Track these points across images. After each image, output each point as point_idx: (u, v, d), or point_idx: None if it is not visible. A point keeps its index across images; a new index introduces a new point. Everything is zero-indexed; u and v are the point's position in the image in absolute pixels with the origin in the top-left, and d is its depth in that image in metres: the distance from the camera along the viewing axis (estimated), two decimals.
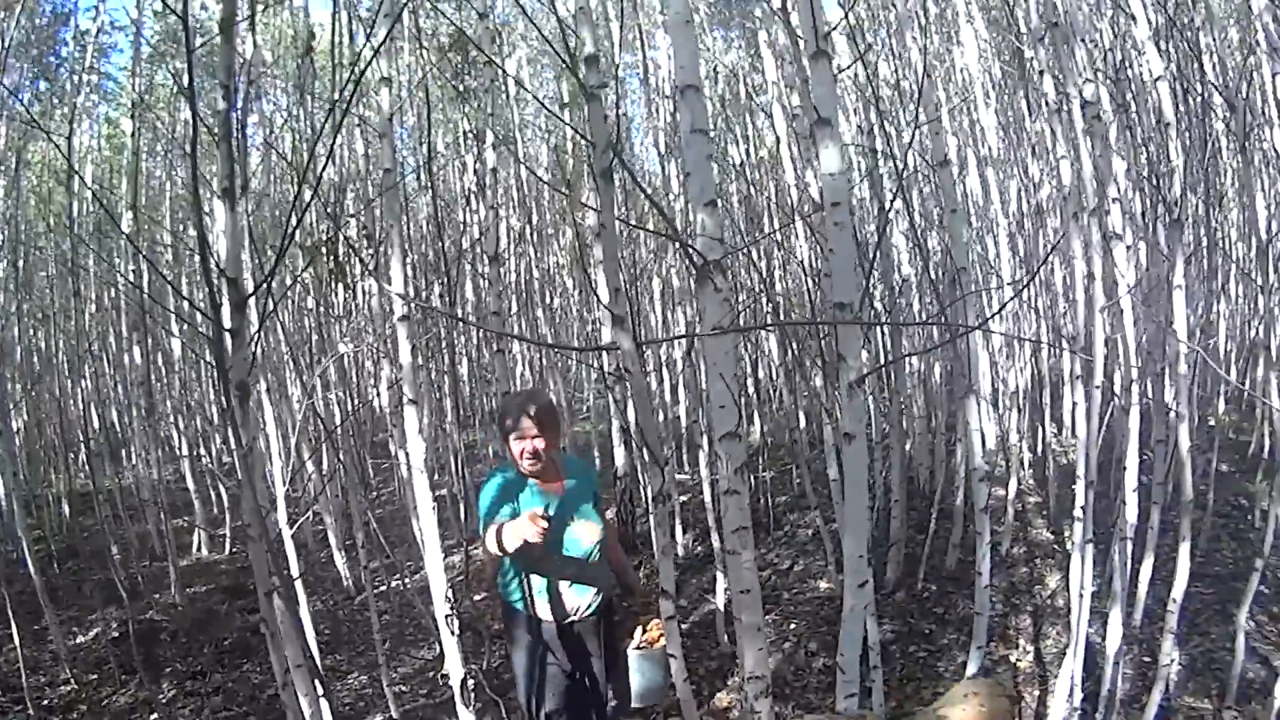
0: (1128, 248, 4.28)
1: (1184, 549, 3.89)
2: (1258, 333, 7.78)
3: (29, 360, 12.63)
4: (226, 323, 2.57)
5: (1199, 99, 5.89)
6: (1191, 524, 3.95)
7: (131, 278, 8.99)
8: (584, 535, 3.55)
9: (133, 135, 8.90)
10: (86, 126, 11.69)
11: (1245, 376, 9.77)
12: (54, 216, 9.99)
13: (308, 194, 3.27)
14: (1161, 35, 6.29)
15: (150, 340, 9.69)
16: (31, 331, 12.80)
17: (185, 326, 10.09)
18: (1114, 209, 4.19)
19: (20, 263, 10.25)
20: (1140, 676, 4.72)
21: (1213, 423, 7.64)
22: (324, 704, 2.82)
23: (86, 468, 10.80)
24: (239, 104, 3.43)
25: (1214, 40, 6.47)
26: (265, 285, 2.50)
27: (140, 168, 9.64)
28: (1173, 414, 4.33)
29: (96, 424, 10.71)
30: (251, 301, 3.01)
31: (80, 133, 10.86)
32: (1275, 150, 6.49)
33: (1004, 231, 7.87)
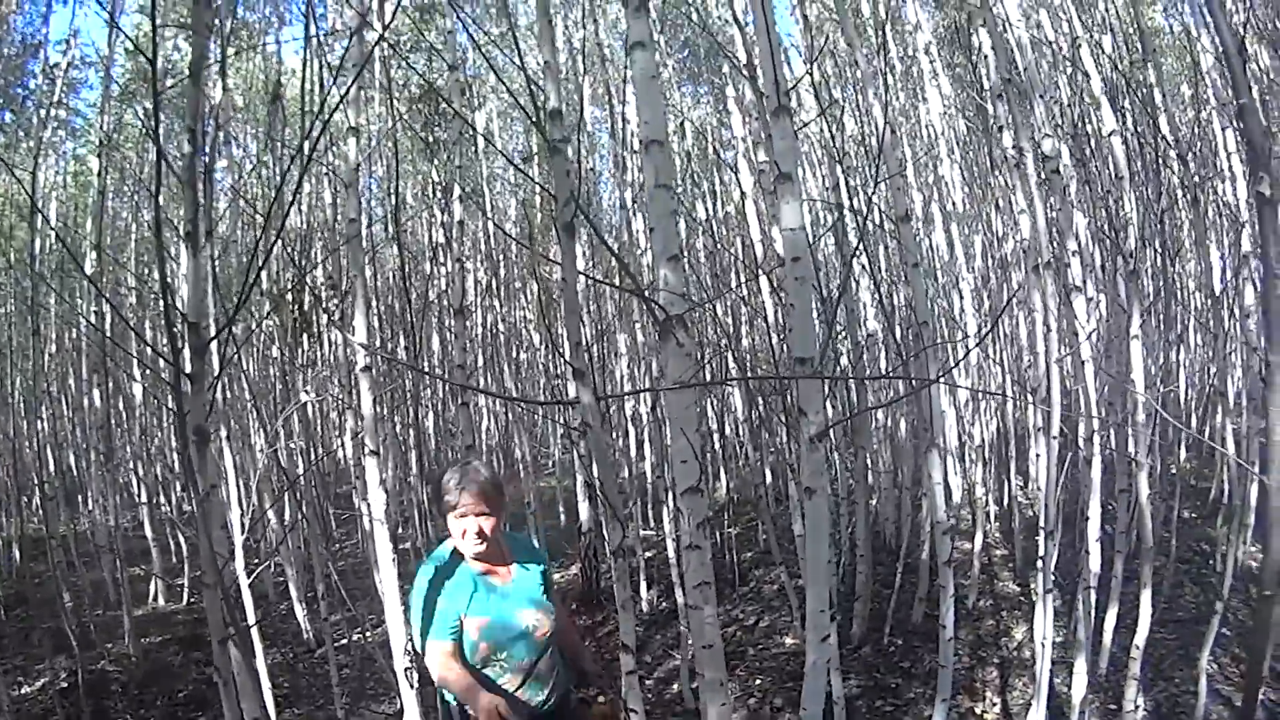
0: (1088, 300, 4.35)
1: (1145, 596, 3.93)
2: (1214, 380, 7.91)
3: None
4: (186, 367, 2.54)
5: (1153, 154, 6.03)
6: (1154, 571, 4.00)
7: (93, 319, 8.89)
8: (536, 626, 3.05)
9: (99, 174, 8.83)
10: (52, 162, 11.55)
11: (1205, 423, 9.91)
12: (14, 252, 9.85)
13: (272, 239, 3.25)
14: (1117, 91, 6.44)
15: (111, 383, 9.54)
16: None
17: (147, 371, 9.97)
18: (1074, 261, 4.26)
19: None
20: None
21: (1174, 470, 7.72)
22: None
23: (40, 512, 10.59)
24: (205, 149, 3.40)
25: (1165, 98, 6.61)
26: (226, 330, 2.48)
27: (106, 207, 9.54)
28: (1133, 463, 4.37)
29: (52, 467, 10.47)
30: (213, 347, 2.98)
31: (45, 168, 10.76)
32: (1227, 203, 6.65)
33: (969, 286, 7.96)
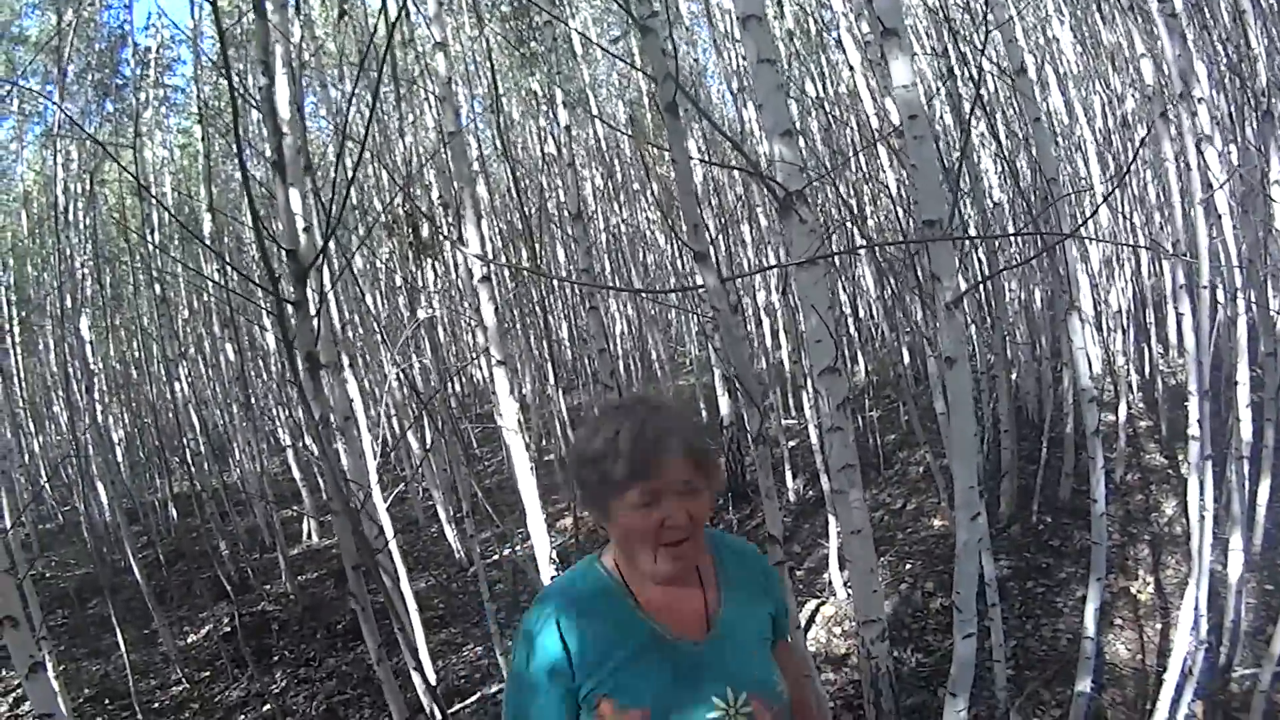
0: (1219, 153, 4.06)
1: None
2: None
3: (126, 372, 13.08)
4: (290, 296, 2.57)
5: None
6: None
7: (217, 277, 9.20)
8: (759, 718, 1.61)
9: (203, 140, 9.08)
10: (159, 139, 11.95)
11: None
12: (136, 230, 10.26)
13: (353, 162, 3.26)
14: None
15: (243, 337, 9.93)
16: (125, 343, 13.26)
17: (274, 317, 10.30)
18: (1200, 110, 3.98)
19: (106, 279, 10.58)
20: (1263, 606, 4.57)
21: None
22: (417, 677, 2.82)
23: (191, 469, 11.14)
24: (276, 80, 3.41)
25: None
26: (321, 255, 2.49)
27: (213, 171, 9.84)
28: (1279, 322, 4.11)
29: (197, 425, 10.98)
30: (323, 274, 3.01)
31: (154, 145, 11.17)
32: None
33: (1092, 148, 7.58)
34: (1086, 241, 7.08)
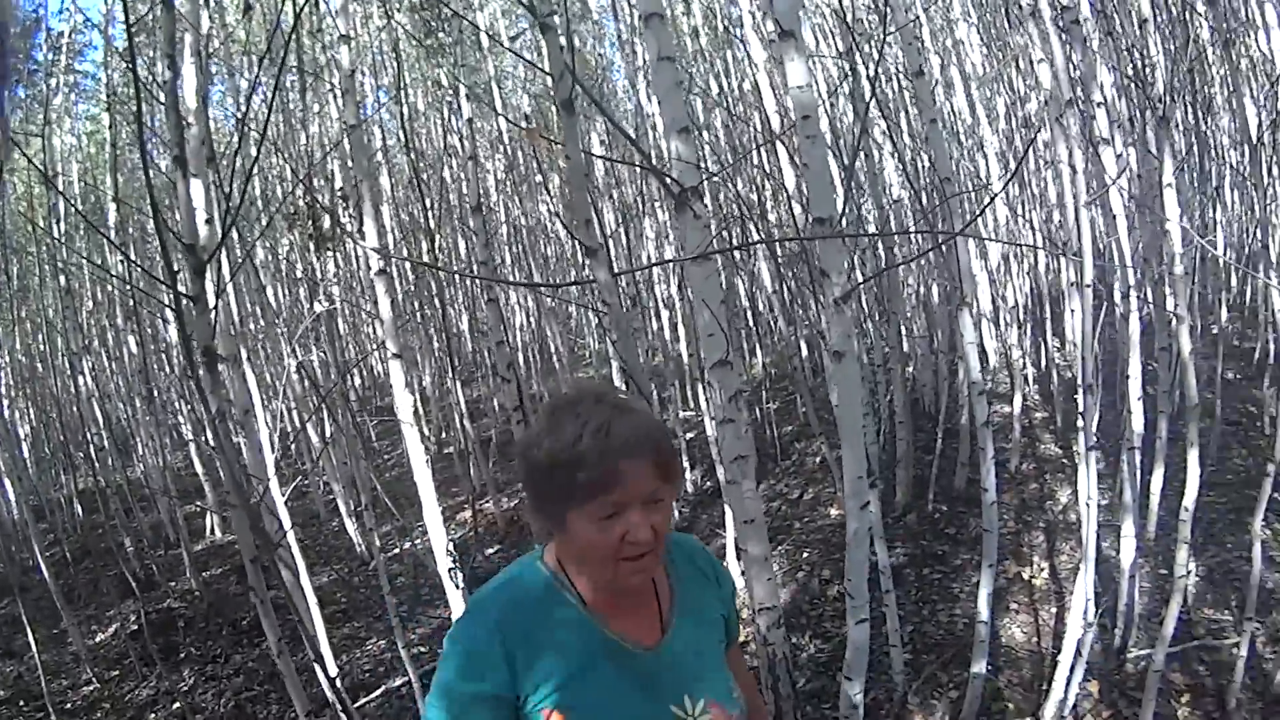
0: (1117, 156, 4.20)
1: (1193, 456, 3.81)
2: (1255, 236, 7.74)
3: (31, 365, 12.68)
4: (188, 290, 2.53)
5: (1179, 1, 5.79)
6: (1200, 432, 3.89)
7: (120, 268, 8.98)
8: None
9: (110, 128, 8.83)
10: (68, 126, 11.60)
11: (1245, 284, 9.74)
12: (42, 220, 9.94)
13: (255, 152, 3.21)
14: None
15: (145, 329, 9.68)
16: (30, 336, 12.84)
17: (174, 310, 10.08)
18: (1099, 113, 4.12)
19: (13, 270, 10.24)
20: (1158, 590, 4.72)
21: (1215, 330, 7.59)
22: (320, 670, 2.81)
23: (95, 465, 10.85)
24: (182, 72, 3.36)
25: None
26: (220, 248, 2.46)
27: (120, 160, 9.58)
28: (1174, 318, 4.26)
29: (101, 420, 10.69)
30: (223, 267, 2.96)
31: (62, 133, 10.84)
32: (1262, 52, 6.40)
33: (993, 149, 7.80)
34: (987, 239, 7.28)
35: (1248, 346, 8.30)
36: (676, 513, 5.46)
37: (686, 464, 8.16)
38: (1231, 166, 9.43)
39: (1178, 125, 6.99)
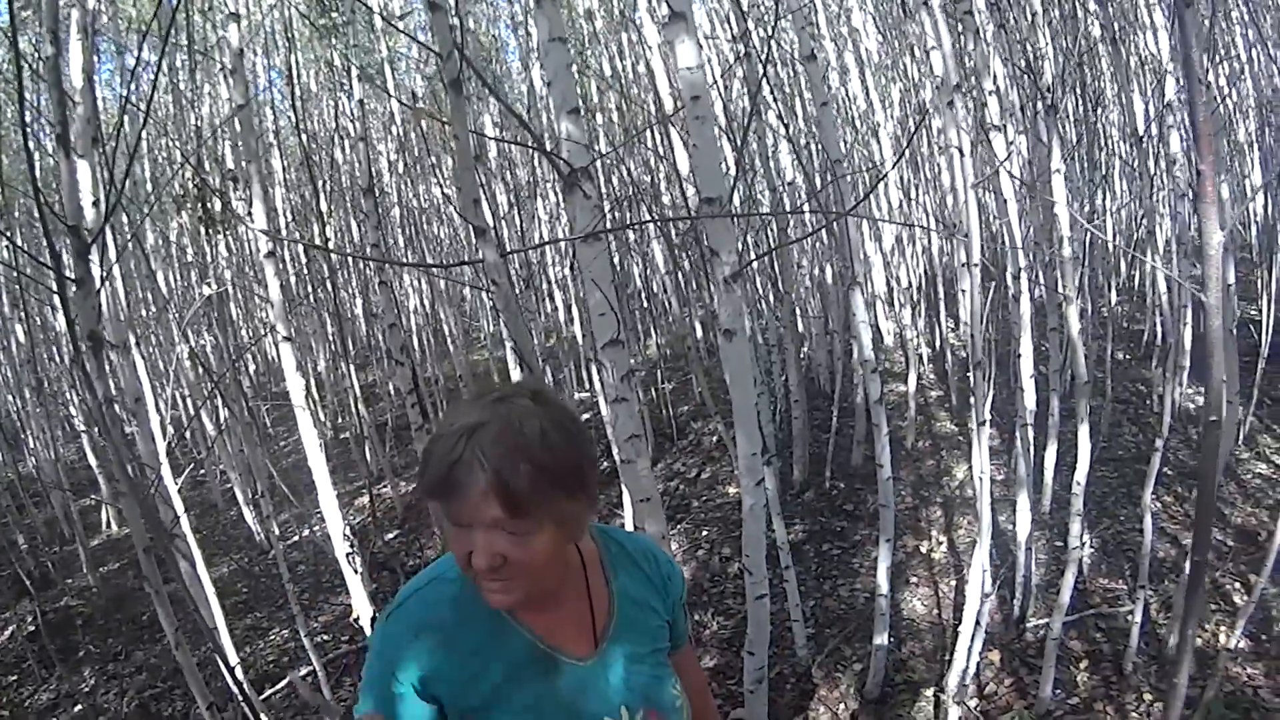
0: (1009, 143, 4.32)
1: (1083, 431, 3.96)
2: (1143, 223, 8.05)
3: None
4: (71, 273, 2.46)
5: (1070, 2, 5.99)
6: (1091, 410, 4.05)
7: (5, 255, 8.65)
8: None
9: None
10: None
11: (1133, 268, 10.13)
12: None
13: (142, 133, 3.14)
14: None
15: (33, 316, 9.32)
16: None
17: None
18: (991, 101, 4.24)
19: None
20: (1054, 562, 4.90)
21: (1105, 312, 7.87)
22: (219, 660, 2.76)
23: None
24: (69, 49, 3.25)
25: None
26: (104, 229, 2.39)
27: (4, 142, 9.22)
28: (1063, 299, 4.41)
29: None
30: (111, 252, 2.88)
31: None
32: (1150, 51, 6.66)
33: (887, 133, 7.97)
34: (876, 220, 7.42)
35: (1136, 329, 8.63)
36: None
37: None
38: (1120, 157, 9.78)
39: (1067, 116, 7.23)
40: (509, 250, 3.87)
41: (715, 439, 7.69)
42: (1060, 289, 4.39)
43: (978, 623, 3.71)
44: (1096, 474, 5.20)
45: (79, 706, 5.62)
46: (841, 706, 4.11)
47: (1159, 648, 4.00)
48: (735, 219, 2.94)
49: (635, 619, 1.53)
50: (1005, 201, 4.21)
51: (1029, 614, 4.45)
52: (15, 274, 7.81)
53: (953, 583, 5.02)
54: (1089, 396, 4.11)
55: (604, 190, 7.01)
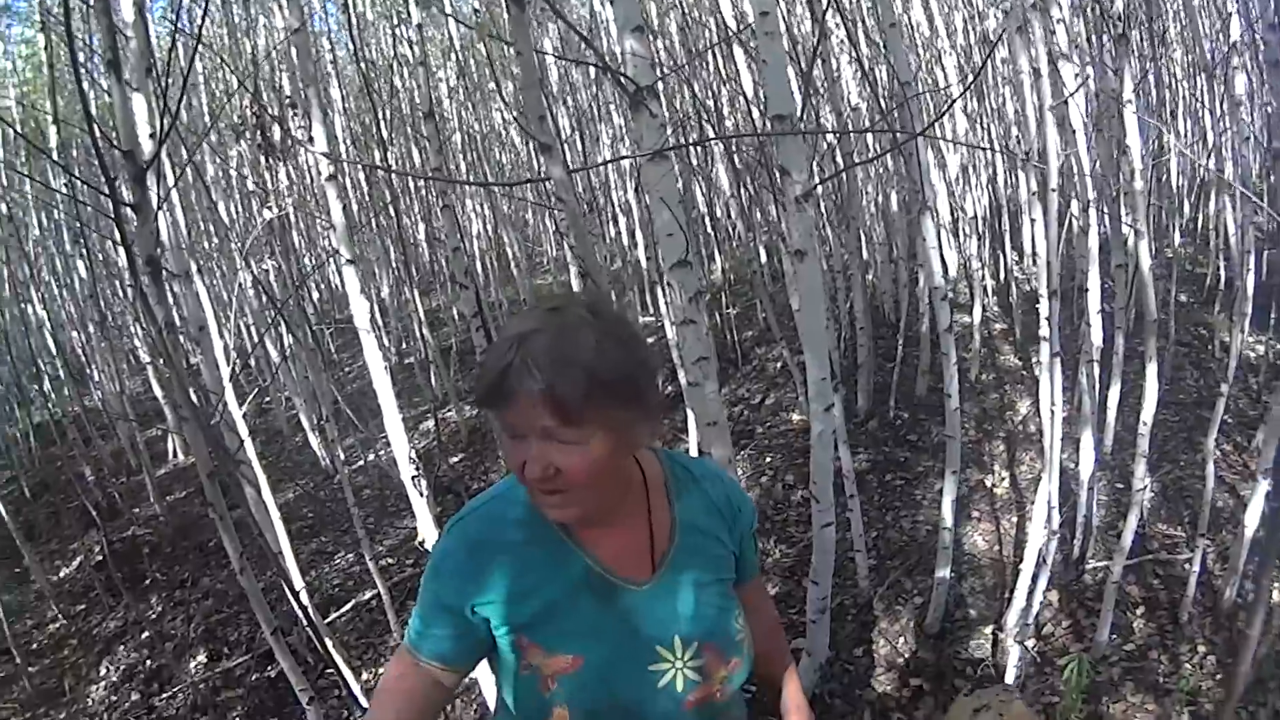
0: (1075, 75, 4.17)
1: (1151, 370, 3.83)
2: (1209, 164, 7.81)
3: None
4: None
5: None
6: (1157, 349, 3.92)
7: (65, 190, 8.75)
8: (688, 688, 1.43)
9: (46, 49, 8.53)
10: (1, 50, 11.19)
11: (1197, 210, 9.86)
12: None
13: (199, 63, 3.12)
14: None
15: (95, 251, 9.46)
16: None
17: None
18: (1059, 29, 4.08)
19: None
20: (1114, 503, 4.81)
21: (1170, 254, 7.66)
22: (284, 585, 2.79)
23: (50, 396, 10.67)
24: None
25: None
26: (159, 150, 2.38)
27: (61, 81, 9.29)
28: (1134, 231, 4.26)
29: (54, 349, 10.49)
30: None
31: None
32: None
33: (951, 60, 7.77)
34: (943, 147, 7.25)
35: (1199, 272, 8.38)
36: None
37: None
38: (1184, 97, 9.50)
39: (1134, 50, 7.00)
40: (575, 167, 3.81)
41: (779, 365, 7.57)
42: (1131, 223, 4.24)
43: (1041, 561, 3.64)
44: (1158, 416, 5.10)
45: (146, 633, 5.73)
46: (901, 640, 4.09)
47: (1214, 599, 3.90)
48: (805, 137, 2.86)
49: (698, 546, 1.49)
50: (1073, 132, 4.06)
51: (1089, 555, 4.37)
52: (75, 209, 7.92)
53: (1014, 519, 4.95)
54: (1156, 335, 3.98)
55: (666, 114, 6.91)
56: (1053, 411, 3.57)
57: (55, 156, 7.31)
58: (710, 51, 6.50)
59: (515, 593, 1.37)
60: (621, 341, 1.26)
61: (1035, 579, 3.64)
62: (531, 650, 1.38)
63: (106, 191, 2.15)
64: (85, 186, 6.14)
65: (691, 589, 1.46)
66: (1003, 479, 5.38)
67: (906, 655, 3.97)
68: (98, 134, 2.18)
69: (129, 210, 2.35)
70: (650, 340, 8.87)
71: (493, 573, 1.38)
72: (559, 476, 1.25)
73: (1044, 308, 3.58)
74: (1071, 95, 3.84)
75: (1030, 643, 3.79)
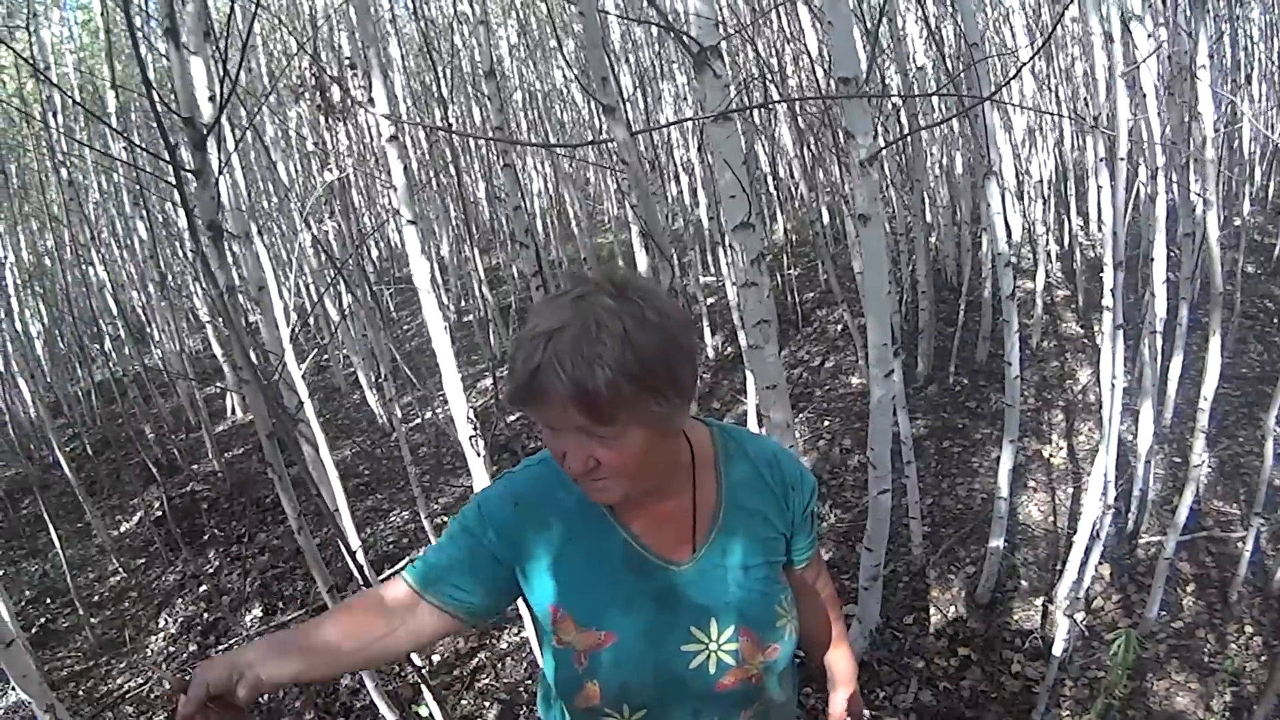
0: (1149, 35, 4.05)
1: (1214, 344, 3.72)
2: None
3: (40, 264, 12.66)
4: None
5: None
6: (1221, 322, 3.82)
7: (124, 155, 8.88)
8: (720, 670, 1.41)
9: (102, 14, 8.63)
10: (58, 18, 11.33)
11: (1269, 179, 9.57)
12: (38, 115, 9.81)
13: (256, 24, 3.13)
14: None
15: (155, 213, 9.62)
16: (37, 234, 12.81)
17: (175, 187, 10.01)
18: None
19: (11, 169, 10.19)
20: (1170, 477, 4.75)
21: (1238, 222, 7.46)
22: (340, 543, 2.83)
23: (111, 355, 10.91)
24: None
25: None
26: (220, 115, 2.39)
27: (118, 47, 9.41)
28: (1203, 200, 4.15)
29: (114, 309, 10.69)
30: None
31: (51, 25, 10.60)
32: None
33: (1019, 20, 7.59)
34: (1009, 109, 7.09)
35: (1269, 243, 8.17)
36: (701, 377, 5.47)
37: (708, 329, 8.13)
38: (1259, 60, 9.20)
39: (1209, 10, 6.80)
40: (637, 130, 3.79)
41: (840, 327, 7.56)
42: (1200, 192, 4.13)
43: (1094, 534, 3.58)
44: (1219, 390, 5.01)
45: (204, 587, 5.87)
46: (952, 609, 4.06)
47: (1265, 580, 3.86)
48: (871, 100, 2.82)
49: (743, 527, 1.45)
50: (1144, 97, 3.94)
51: (1142, 529, 4.32)
52: (135, 173, 8.04)
53: (1070, 490, 4.90)
54: (1221, 307, 3.89)
55: (730, 73, 6.85)
56: (1114, 384, 3.50)
57: (114, 123, 7.42)
58: (775, 10, 6.39)
59: (552, 556, 1.38)
60: (654, 326, 1.20)
61: (1088, 552, 3.58)
62: (565, 624, 1.38)
63: (167, 158, 2.17)
64: (145, 153, 6.22)
65: (732, 571, 1.43)
66: (1060, 449, 5.31)
67: (956, 624, 3.96)
68: (156, 100, 2.19)
69: (189, 175, 2.38)
70: (711, 300, 8.86)
71: (532, 531, 1.39)
72: (600, 467, 1.24)
73: (1108, 278, 3.50)
74: (1144, 61, 3.73)
75: (1079, 616, 3.75)
